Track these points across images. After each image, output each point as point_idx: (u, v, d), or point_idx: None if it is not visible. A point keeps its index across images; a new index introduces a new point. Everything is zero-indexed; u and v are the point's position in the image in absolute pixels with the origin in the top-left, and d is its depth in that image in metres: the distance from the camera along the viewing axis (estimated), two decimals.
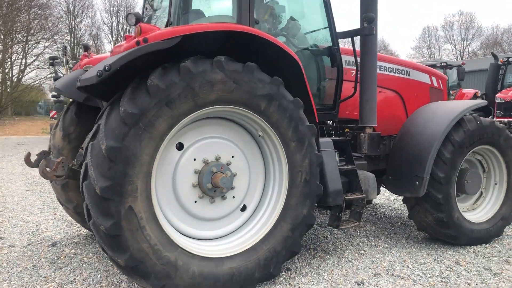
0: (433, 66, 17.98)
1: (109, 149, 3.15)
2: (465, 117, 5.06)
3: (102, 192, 3.14)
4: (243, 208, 3.99)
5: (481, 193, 5.43)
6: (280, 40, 4.39)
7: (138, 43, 3.33)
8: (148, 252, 3.30)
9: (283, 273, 4.20)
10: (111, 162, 3.16)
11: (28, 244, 5.13)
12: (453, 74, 17.62)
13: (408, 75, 5.78)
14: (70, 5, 55.65)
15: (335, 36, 4.78)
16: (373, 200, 7.25)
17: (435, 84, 6.05)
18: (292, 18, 4.67)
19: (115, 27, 58.43)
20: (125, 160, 3.19)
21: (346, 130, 4.93)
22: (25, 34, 44.57)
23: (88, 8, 56.95)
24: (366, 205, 6.99)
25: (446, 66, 17.31)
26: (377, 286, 3.91)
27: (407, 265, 4.44)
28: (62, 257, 4.66)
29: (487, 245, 5.10)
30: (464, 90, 17.72)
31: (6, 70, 42.64)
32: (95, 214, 3.21)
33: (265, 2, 4.63)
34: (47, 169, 3.84)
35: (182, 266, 3.44)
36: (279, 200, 3.94)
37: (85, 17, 57.03)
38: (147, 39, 3.32)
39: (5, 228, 5.86)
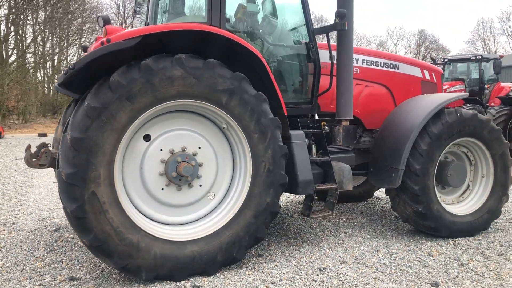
0: (468, 59, 17.46)
1: (73, 140, 3.50)
2: (447, 109, 5.08)
3: (67, 178, 3.49)
4: (211, 196, 4.24)
5: (468, 186, 5.40)
6: (251, 38, 4.63)
7: (102, 43, 3.66)
8: (110, 234, 3.63)
9: (254, 259, 4.43)
10: (75, 151, 3.51)
11: (35, 229, 5.62)
12: (490, 68, 16.99)
13: (397, 69, 5.82)
14: (120, 8, 57.96)
15: (312, 32, 4.92)
16: (374, 193, 7.29)
17: (427, 77, 6.04)
18: (267, 16, 4.86)
19: None
20: (88, 149, 3.53)
21: (323, 123, 5.05)
22: (78, 37, 46.81)
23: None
24: (367, 198, 7.08)
25: (481, 60, 16.72)
26: (337, 273, 4.05)
27: (378, 255, 4.54)
28: (59, 241, 5.09)
29: (471, 238, 5.08)
30: (502, 84, 17.06)
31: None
32: (63, 198, 3.57)
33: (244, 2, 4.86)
34: (33, 159, 4.26)
35: (144, 248, 3.74)
36: (244, 188, 4.17)
37: (135, 19, 59.12)
38: (109, 40, 3.64)
39: (21, 215, 6.42)
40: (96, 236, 3.59)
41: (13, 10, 37.79)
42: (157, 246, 3.80)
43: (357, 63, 5.58)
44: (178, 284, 3.80)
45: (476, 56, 16.96)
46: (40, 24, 43.15)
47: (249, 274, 4.02)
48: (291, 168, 4.51)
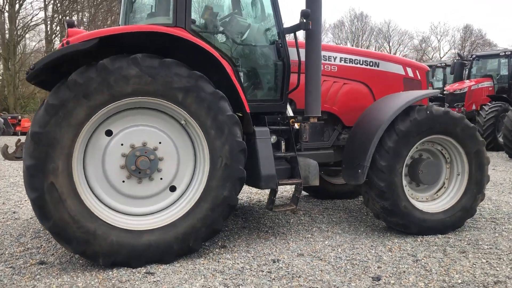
0: (497, 55, 16.91)
1: (33, 134, 3.81)
2: (418, 107, 5.09)
3: (27, 169, 3.81)
4: (172, 189, 4.47)
5: (444, 183, 5.37)
6: (218, 38, 4.82)
7: (63, 45, 3.96)
8: (68, 222, 3.92)
9: (217, 250, 4.63)
10: (35, 145, 3.82)
11: (30, 218, 6.04)
12: None
13: (377, 67, 5.84)
14: None
15: (282, 31, 5.05)
16: None
17: (410, 74, 6.03)
18: (235, 17, 5.03)
19: None
20: (47, 143, 3.84)
21: (292, 120, 5.17)
22: None
23: None
24: (357, 195, 7.11)
25: (511, 55, 16.12)
26: (288, 264, 4.18)
27: (338, 249, 4.62)
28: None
29: (442, 236, 5.06)
30: None
31: None
32: (25, 188, 3.90)
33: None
34: (8, 152, 4.64)
35: (101, 235, 4.01)
36: (202, 182, 4.37)
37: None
38: (69, 42, 3.93)
39: (24, 205, 6.89)
40: (55, 223, 3.89)
41: (59, 11, 39.60)
42: (114, 234, 4.06)
43: (335, 61, 5.67)
44: (133, 270, 4.04)
45: (505, 52, 16.40)
46: (85, 24, 44.89)
47: (203, 263, 4.22)
48: (255, 163, 4.67)
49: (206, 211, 4.32)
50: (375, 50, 61.84)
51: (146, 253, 4.13)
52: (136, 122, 4.31)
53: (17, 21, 37.39)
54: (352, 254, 4.48)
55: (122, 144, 4.24)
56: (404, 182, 5.17)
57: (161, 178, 4.39)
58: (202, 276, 3.90)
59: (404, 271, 4.00)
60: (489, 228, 5.40)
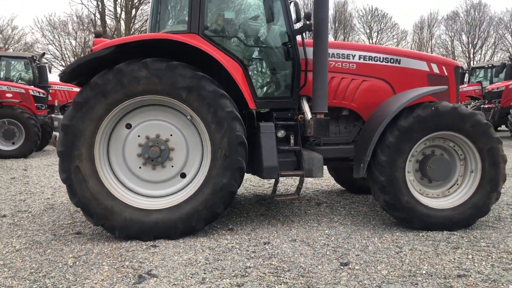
0: None
1: (63, 126, 4.69)
2: (425, 103, 5.13)
3: (58, 155, 4.71)
4: (183, 175, 5.10)
5: (457, 180, 5.32)
6: (230, 41, 5.35)
7: (88, 52, 4.79)
8: (90, 199, 4.75)
9: (223, 231, 5.18)
10: (64, 135, 4.70)
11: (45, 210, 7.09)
12: None
13: (399, 63, 5.89)
14: None
15: (292, 33, 5.41)
16: None
17: (436, 70, 5.96)
18: (246, 21, 5.50)
19: None
20: (73, 134, 4.69)
21: (300, 116, 5.49)
22: None
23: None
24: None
25: None
26: (276, 247, 4.58)
27: (331, 238, 4.87)
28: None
29: (448, 232, 5.04)
30: None
31: None
32: (59, 170, 4.80)
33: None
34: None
35: (117, 212, 4.78)
36: (205, 170, 4.94)
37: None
38: (92, 50, 4.75)
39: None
40: (79, 199, 4.75)
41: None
42: (128, 211, 4.81)
43: (353, 58, 5.84)
44: (142, 243, 4.75)
45: None
46: None
47: (203, 241, 4.79)
48: (259, 155, 5.14)
49: (207, 195, 4.88)
50: (494, 41, 57.28)
51: (154, 229, 4.82)
52: (152, 117, 5.01)
53: (133, 28, 40.75)
54: (342, 243, 4.72)
55: (139, 136, 4.97)
56: (412, 177, 5.26)
57: (172, 166, 5.05)
58: (194, 251, 4.48)
59: (377, 260, 4.19)
60: (507, 228, 5.23)
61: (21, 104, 12.96)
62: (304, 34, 5.45)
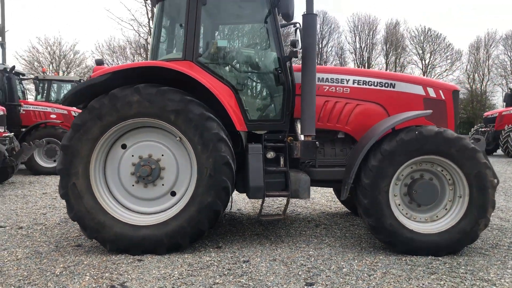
0: None
1: (63, 146, 5.12)
2: (409, 127, 5.17)
3: (58, 172, 5.14)
4: (173, 194, 5.37)
5: (446, 205, 5.26)
6: (223, 68, 5.64)
7: (87, 79, 5.22)
8: (85, 214, 5.12)
9: (211, 248, 5.38)
10: (63, 154, 5.12)
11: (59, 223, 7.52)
12: None
13: (393, 87, 5.94)
14: (318, 30, 61.52)
15: (282, 59, 5.62)
16: None
17: (432, 94, 5.95)
18: (238, 48, 5.77)
19: (358, 46, 61.41)
20: (71, 153, 5.11)
21: (289, 138, 5.64)
22: None
23: (334, 29, 61.80)
24: None
25: None
26: (253, 266, 4.72)
27: (310, 259, 4.92)
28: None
29: (433, 257, 4.98)
30: None
31: None
32: (58, 186, 5.22)
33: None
34: None
35: (108, 226, 5.12)
36: (191, 189, 5.19)
37: (331, 39, 62.09)
38: (90, 76, 5.18)
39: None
40: (75, 213, 5.13)
41: None
42: (118, 226, 5.14)
43: (347, 83, 5.97)
44: (130, 256, 5.04)
45: None
46: None
47: (186, 257, 5.02)
48: (246, 175, 5.35)
49: (192, 213, 5.12)
50: None
51: (142, 244, 5.10)
52: (146, 138, 5.35)
53: None
54: (319, 264, 4.79)
55: (133, 155, 5.31)
56: (399, 201, 5.26)
57: (162, 184, 5.34)
58: (173, 266, 4.71)
59: (345, 282, 4.24)
60: (498, 256, 5.09)
61: (63, 124, 13.88)
62: (291, 60, 5.64)
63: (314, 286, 4.14)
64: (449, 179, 5.23)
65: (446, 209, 5.26)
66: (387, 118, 5.53)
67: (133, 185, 5.34)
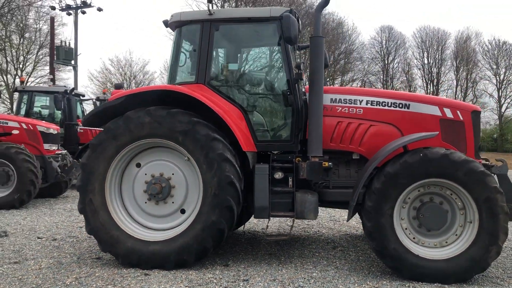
0: None
1: (82, 164, 5.53)
2: (415, 149, 5.06)
3: (77, 189, 5.54)
4: (183, 211, 5.59)
5: (456, 230, 5.05)
6: (234, 90, 5.85)
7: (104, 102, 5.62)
8: (100, 228, 5.46)
9: (219, 266, 5.52)
10: (82, 172, 5.52)
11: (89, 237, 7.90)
12: None
13: (408, 108, 5.82)
14: (383, 45, 60.53)
15: (292, 82, 5.72)
16: None
17: (449, 115, 5.75)
18: (249, 71, 5.94)
19: (426, 62, 59.56)
20: (89, 171, 5.49)
21: (297, 159, 5.68)
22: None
23: (401, 45, 60.45)
24: None
25: None
26: (251, 285, 4.80)
27: (311, 281, 4.94)
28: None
29: (438, 285, 4.81)
30: None
31: None
32: (78, 202, 5.62)
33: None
34: None
35: (122, 241, 5.42)
36: (197, 207, 5.38)
37: (397, 55, 60.77)
38: (107, 99, 5.57)
39: None
40: (92, 228, 5.49)
41: None
42: (130, 241, 5.42)
43: (360, 104, 5.93)
44: (139, 270, 5.29)
45: None
46: None
47: (191, 274, 5.18)
48: (252, 195, 5.47)
49: (198, 231, 5.30)
50: None
51: (151, 259, 5.34)
52: (158, 157, 5.65)
53: None
54: (317, 286, 4.78)
55: (146, 174, 5.61)
56: (406, 225, 5.14)
57: (173, 202, 5.59)
58: (175, 282, 4.89)
59: None
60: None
61: None
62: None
63: None
64: (459, 204, 5.04)
65: (456, 235, 5.05)
66: (394, 140, 5.43)
67: (145, 202, 5.62)
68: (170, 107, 5.45)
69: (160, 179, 5.54)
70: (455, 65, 58.84)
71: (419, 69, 59.79)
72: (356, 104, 5.93)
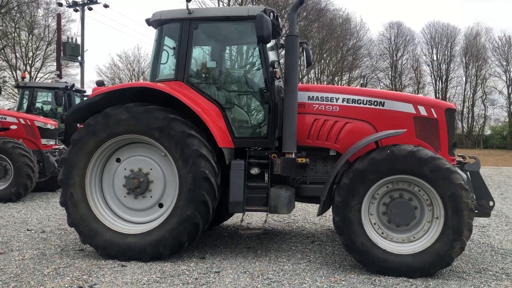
0: None
1: (63, 159, 5.72)
2: (383, 147, 5.17)
3: (59, 182, 5.73)
4: (161, 205, 5.76)
5: (423, 226, 5.16)
6: (212, 87, 5.99)
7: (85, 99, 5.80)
8: (80, 221, 5.65)
9: (195, 259, 5.68)
10: (64, 166, 5.71)
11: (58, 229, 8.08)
12: None
13: (382, 106, 5.92)
14: (392, 41, 60.19)
15: (268, 80, 5.84)
16: None
17: (423, 113, 5.82)
18: (227, 69, 6.07)
19: (435, 58, 59.05)
20: (69, 165, 5.68)
21: (273, 155, 5.81)
22: None
23: (410, 41, 60.03)
24: None
25: None
26: (221, 276, 4.96)
27: (279, 273, 5.08)
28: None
29: (404, 279, 4.92)
30: None
31: None
32: (60, 195, 5.81)
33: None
34: None
35: (100, 233, 5.60)
36: (174, 201, 5.54)
37: (406, 51, 60.33)
38: (88, 96, 5.75)
39: None
40: (72, 220, 5.68)
41: None
42: (108, 234, 5.60)
43: (337, 101, 6.04)
44: (117, 261, 5.47)
45: None
46: None
47: (165, 265, 5.36)
48: (226, 190, 5.62)
49: (173, 225, 5.46)
50: None
51: (128, 251, 5.52)
52: (137, 153, 5.81)
53: None
54: (284, 279, 4.91)
55: (125, 169, 5.79)
56: (375, 220, 5.24)
57: (151, 196, 5.75)
58: (147, 273, 5.06)
59: None
60: (477, 281, 4.90)
61: None
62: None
63: None
64: (427, 200, 5.14)
65: (424, 231, 5.15)
66: (363, 138, 5.52)
67: (125, 196, 5.80)
68: (147, 104, 5.60)
69: (139, 174, 5.70)
70: (464, 62, 58.19)
71: (428, 65, 59.28)
72: (333, 102, 6.04)
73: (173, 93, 5.55)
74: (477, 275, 5.11)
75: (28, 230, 7.42)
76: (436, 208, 5.07)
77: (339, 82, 55.97)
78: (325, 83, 52.45)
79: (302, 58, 6.80)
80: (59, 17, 29.85)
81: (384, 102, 5.93)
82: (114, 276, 4.96)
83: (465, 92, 56.68)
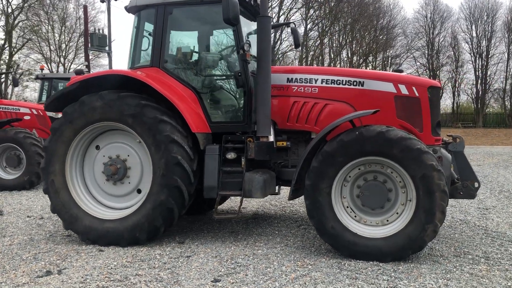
0: None
1: (44, 147, 5.86)
2: (352, 128, 5.02)
3: (40, 170, 5.88)
4: (139, 191, 5.82)
5: (397, 208, 4.99)
6: (188, 72, 5.97)
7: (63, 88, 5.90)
8: (61, 207, 5.79)
9: (173, 243, 5.73)
10: (45, 154, 5.86)
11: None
12: None
13: (362, 86, 5.72)
14: (428, 19, 58.21)
15: (242, 63, 5.75)
16: None
17: (404, 92, 5.59)
18: (203, 53, 6.01)
19: (475, 35, 56.67)
20: (50, 153, 5.82)
21: (248, 139, 5.72)
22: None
23: (447, 18, 57.87)
24: None
25: None
26: (190, 261, 4.97)
27: (248, 257, 5.07)
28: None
29: (374, 263, 4.78)
30: None
31: None
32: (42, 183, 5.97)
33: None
34: None
35: (80, 218, 5.73)
36: (148, 187, 5.59)
37: (442, 29, 58.20)
38: (67, 85, 5.84)
39: None
40: (54, 207, 5.84)
41: None
42: (87, 219, 5.73)
43: (316, 83, 5.90)
44: (97, 246, 5.59)
45: None
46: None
47: (141, 250, 5.43)
48: (200, 175, 5.61)
49: (149, 210, 5.51)
50: None
51: (107, 236, 5.63)
52: (115, 140, 5.89)
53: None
54: (253, 262, 4.88)
55: (104, 156, 5.88)
56: (347, 203, 5.12)
57: (129, 182, 5.83)
58: (118, 258, 5.14)
59: (253, 281, 4.31)
60: (451, 265, 4.72)
61: None
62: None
63: (219, 283, 4.29)
64: (400, 182, 4.96)
65: (397, 213, 4.99)
66: (335, 121, 5.36)
67: (104, 183, 5.89)
68: (120, 91, 5.64)
69: (116, 161, 5.78)
70: (507, 37, 55.52)
71: (467, 42, 56.84)
72: (312, 83, 5.90)
73: (145, 79, 5.56)
74: (454, 259, 4.92)
75: (28, 216, 7.68)
76: (409, 190, 4.89)
77: (373, 63, 54.81)
78: (357, 65, 51.49)
79: (290, 40, 6.67)
80: (85, 8, 30.39)
81: (363, 82, 5.74)
82: (87, 261, 5.06)
83: (508, 69, 54.16)
